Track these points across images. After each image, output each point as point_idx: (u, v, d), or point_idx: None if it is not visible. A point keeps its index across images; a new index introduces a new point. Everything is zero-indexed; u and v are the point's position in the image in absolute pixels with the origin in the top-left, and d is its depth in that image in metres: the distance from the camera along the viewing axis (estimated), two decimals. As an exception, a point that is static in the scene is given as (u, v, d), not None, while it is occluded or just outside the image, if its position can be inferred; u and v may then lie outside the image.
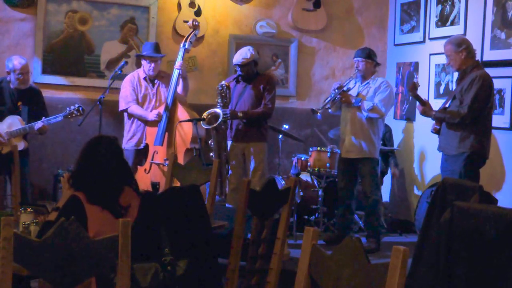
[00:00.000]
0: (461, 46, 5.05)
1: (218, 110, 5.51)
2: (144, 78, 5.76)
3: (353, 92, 5.81)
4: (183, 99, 5.78)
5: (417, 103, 5.32)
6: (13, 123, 5.26)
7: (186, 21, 6.06)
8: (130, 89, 5.70)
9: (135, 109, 5.70)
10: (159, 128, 5.61)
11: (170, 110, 5.61)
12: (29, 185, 5.59)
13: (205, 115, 5.52)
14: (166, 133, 5.60)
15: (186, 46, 5.74)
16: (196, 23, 5.81)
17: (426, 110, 5.23)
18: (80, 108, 5.35)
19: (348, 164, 5.84)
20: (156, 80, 5.79)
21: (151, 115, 5.62)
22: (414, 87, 5.23)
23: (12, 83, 5.31)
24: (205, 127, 5.52)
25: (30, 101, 5.39)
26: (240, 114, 5.59)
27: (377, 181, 6.00)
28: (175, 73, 5.65)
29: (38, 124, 5.25)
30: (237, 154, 5.70)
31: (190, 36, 5.78)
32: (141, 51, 5.87)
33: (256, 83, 5.68)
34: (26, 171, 5.45)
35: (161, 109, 5.64)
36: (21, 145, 5.24)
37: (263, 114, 5.68)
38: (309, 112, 6.00)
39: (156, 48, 5.75)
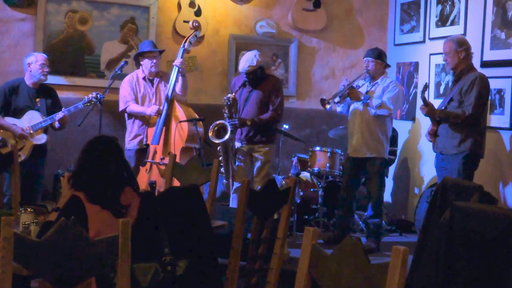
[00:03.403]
0: (462, 46, 5.15)
1: (225, 122, 5.45)
2: (143, 78, 5.76)
3: (361, 91, 5.79)
4: (182, 98, 5.76)
5: (421, 103, 5.32)
6: (33, 117, 5.28)
7: (186, 21, 6.04)
8: (129, 89, 5.69)
9: (133, 107, 5.69)
10: (156, 127, 5.60)
11: (167, 109, 5.59)
12: (42, 186, 5.57)
13: (211, 128, 5.48)
14: (163, 132, 5.59)
15: (186, 47, 5.75)
16: (197, 24, 5.82)
17: (429, 110, 5.23)
18: (99, 95, 5.36)
19: (355, 164, 5.82)
20: (155, 79, 5.79)
21: (150, 110, 5.58)
22: (425, 88, 5.25)
23: (34, 77, 5.31)
24: (216, 141, 5.47)
25: (47, 97, 5.42)
26: (248, 122, 5.52)
27: (383, 181, 5.97)
28: (174, 69, 5.65)
29: (59, 115, 5.28)
30: (243, 155, 5.66)
31: (190, 37, 5.79)
32: (138, 50, 5.86)
33: (262, 87, 5.60)
34: (42, 172, 5.45)
35: (161, 106, 5.62)
36: (43, 138, 5.30)
37: (272, 120, 5.61)
38: (309, 112, 6.01)
39: (154, 44, 5.80)
